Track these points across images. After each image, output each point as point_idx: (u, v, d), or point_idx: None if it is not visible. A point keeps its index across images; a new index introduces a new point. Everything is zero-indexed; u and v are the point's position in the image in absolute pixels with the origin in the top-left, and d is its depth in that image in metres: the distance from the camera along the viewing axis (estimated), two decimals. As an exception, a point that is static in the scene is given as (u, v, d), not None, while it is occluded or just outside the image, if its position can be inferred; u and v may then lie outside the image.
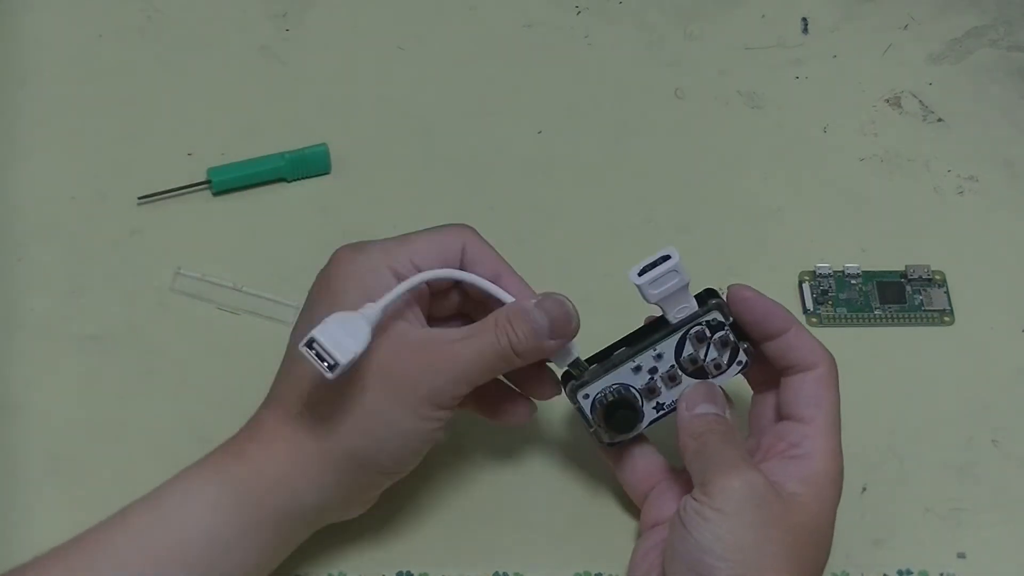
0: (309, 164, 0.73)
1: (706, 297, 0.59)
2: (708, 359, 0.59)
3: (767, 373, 0.60)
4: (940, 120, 0.78)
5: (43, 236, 0.70)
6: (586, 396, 0.59)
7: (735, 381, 0.61)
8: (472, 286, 0.58)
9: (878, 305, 0.70)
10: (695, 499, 0.55)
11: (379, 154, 0.75)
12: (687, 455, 0.57)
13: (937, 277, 0.71)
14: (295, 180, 0.73)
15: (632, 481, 0.61)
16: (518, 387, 0.60)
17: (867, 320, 0.69)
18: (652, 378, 0.59)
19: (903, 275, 0.71)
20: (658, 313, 0.59)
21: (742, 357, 0.60)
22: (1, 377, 0.65)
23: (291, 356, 0.57)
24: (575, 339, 0.58)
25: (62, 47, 0.77)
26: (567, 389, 0.59)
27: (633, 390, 0.59)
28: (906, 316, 0.70)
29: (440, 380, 0.55)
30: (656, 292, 0.57)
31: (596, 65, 0.79)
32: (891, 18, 0.82)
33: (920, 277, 0.71)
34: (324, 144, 0.73)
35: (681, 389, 0.59)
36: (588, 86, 0.78)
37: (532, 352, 0.56)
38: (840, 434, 0.58)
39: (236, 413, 0.63)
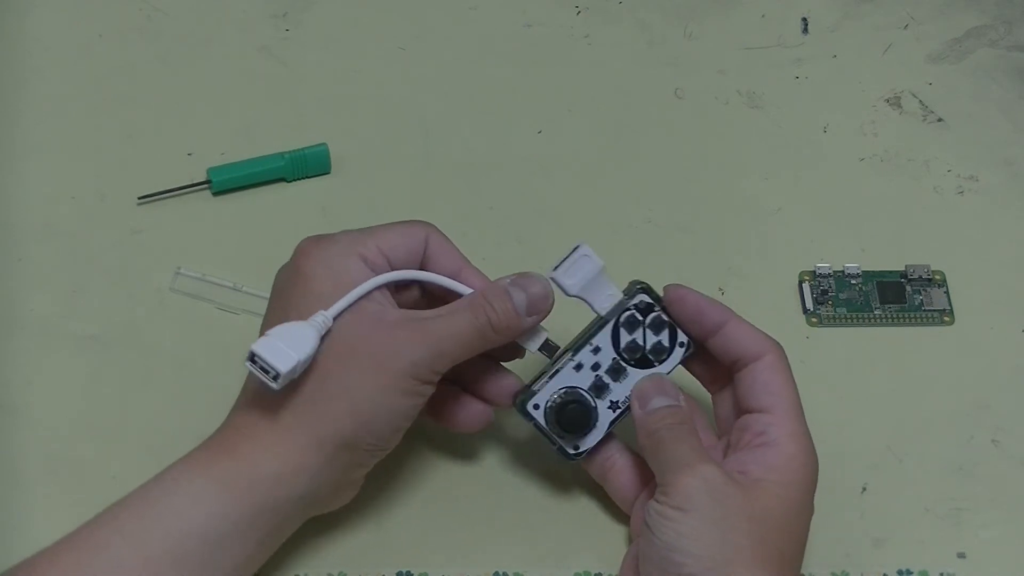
0: (309, 164, 0.73)
1: (631, 286, 0.60)
2: (648, 345, 0.59)
3: (719, 371, 0.60)
4: (940, 120, 0.78)
5: (43, 236, 0.70)
6: (536, 407, 0.59)
7: (695, 386, 0.61)
8: (435, 285, 0.59)
9: (878, 305, 0.70)
10: (657, 501, 0.55)
11: (379, 154, 0.75)
12: (646, 455, 0.58)
13: (937, 277, 0.71)
14: (295, 180, 0.73)
15: (620, 492, 0.61)
16: (475, 392, 0.61)
17: (867, 320, 0.69)
18: (597, 375, 0.59)
19: (903, 275, 0.71)
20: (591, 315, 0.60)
21: (683, 338, 0.60)
22: (1, 377, 0.65)
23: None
24: (545, 321, 0.59)
25: (62, 47, 0.77)
26: (516, 406, 0.59)
27: (580, 390, 0.59)
28: (906, 316, 0.70)
29: (420, 353, 0.55)
30: (572, 282, 0.58)
31: (596, 65, 0.79)
32: (891, 18, 0.82)
33: (920, 277, 0.71)
34: (324, 144, 0.73)
35: (631, 382, 0.59)
36: (588, 86, 0.78)
37: (510, 329, 0.57)
38: (803, 417, 0.58)
39: (236, 413, 0.63)
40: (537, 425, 0.59)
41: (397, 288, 0.59)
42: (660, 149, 0.76)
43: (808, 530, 0.57)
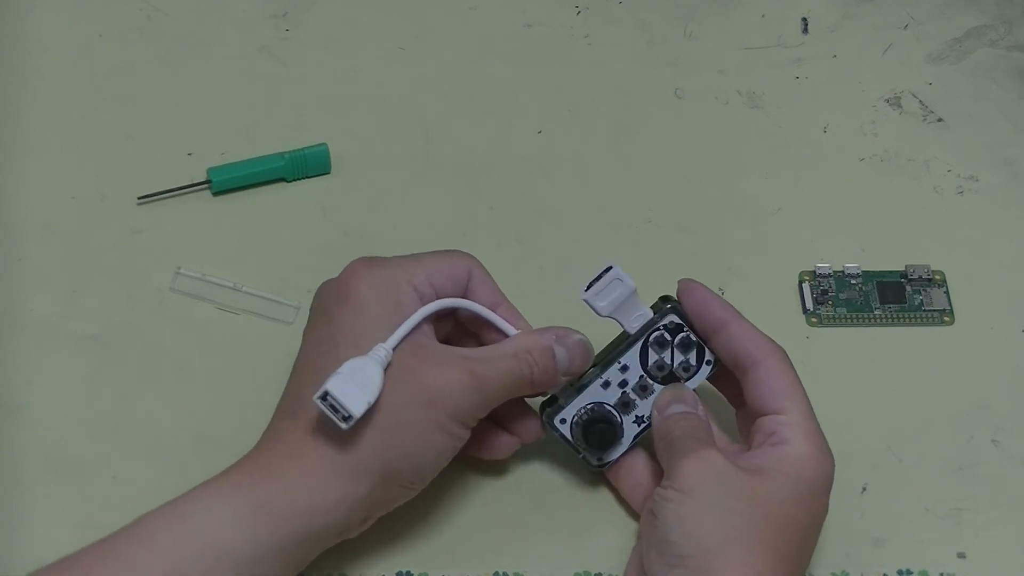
0: (309, 164, 0.73)
1: (661, 304, 0.61)
2: (676, 363, 0.60)
3: (738, 387, 0.61)
4: (940, 120, 0.78)
5: (43, 236, 0.70)
6: (563, 421, 0.60)
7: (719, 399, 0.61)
8: (476, 316, 0.59)
9: (878, 305, 0.70)
10: (661, 486, 0.56)
11: (379, 154, 0.75)
12: (659, 456, 0.58)
13: (937, 277, 0.71)
14: (295, 180, 0.73)
15: (632, 491, 0.62)
16: (502, 426, 0.61)
17: (867, 320, 0.69)
18: (624, 391, 0.60)
19: (903, 275, 0.71)
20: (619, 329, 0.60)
21: (709, 356, 0.60)
22: (1, 377, 0.65)
23: (306, 363, 0.57)
24: None
25: (62, 47, 0.77)
26: (544, 418, 0.60)
27: (607, 406, 0.60)
28: (906, 316, 0.70)
29: (467, 396, 0.55)
30: (605, 304, 0.59)
31: (596, 65, 0.79)
32: (891, 18, 0.82)
33: (920, 277, 0.71)
34: (324, 144, 0.73)
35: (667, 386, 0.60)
36: (588, 86, 0.78)
37: (547, 385, 0.59)
38: (815, 418, 0.58)
39: (236, 413, 0.63)
40: (563, 437, 0.60)
41: (436, 317, 0.59)
42: (660, 149, 0.76)
43: (819, 531, 0.57)
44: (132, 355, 0.66)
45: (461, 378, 0.55)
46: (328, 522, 0.55)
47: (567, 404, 0.60)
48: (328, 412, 0.53)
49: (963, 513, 0.63)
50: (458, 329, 0.61)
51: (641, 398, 0.60)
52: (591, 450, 0.61)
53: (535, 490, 0.63)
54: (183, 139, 0.74)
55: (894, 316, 0.70)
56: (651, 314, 0.60)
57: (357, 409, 0.53)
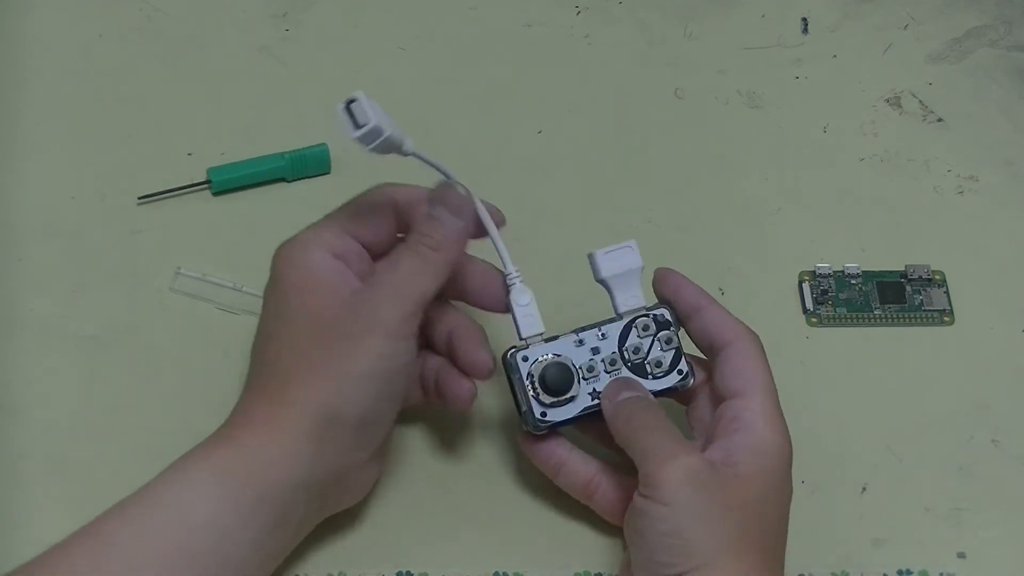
0: (309, 164, 0.73)
1: (659, 302, 0.61)
2: (651, 356, 0.60)
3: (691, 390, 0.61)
4: (940, 120, 0.78)
5: (43, 236, 0.70)
6: (525, 359, 0.59)
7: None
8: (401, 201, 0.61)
9: (878, 305, 0.70)
10: (641, 495, 0.55)
11: (379, 154, 0.74)
12: (622, 444, 0.57)
13: (937, 277, 0.71)
14: (295, 180, 0.73)
15: (608, 511, 0.61)
16: (459, 366, 0.60)
17: (867, 320, 0.69)
18: (593, 358, 0.59)
19: (903, 275, 0.71)
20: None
21: (683, 366, 0.60)
22: (1, 377, 0.65)
23: (257, 338, 0.59)
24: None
25: (62, 47, 0.77)
26: (507, 354, 0.59)
27: (572, 362, 0.59)
28: (906, 316, 0.70)
29: (384, 309, 0.56)
30: (607, 267, 0.59)
31: (596, 65, 0.79)
32: (891, 18, 0.82)
33: (920, 277, 0.71)
34: (324, 144, 0.73)
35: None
36: (588, 86, 0.78)
37: (449, 241, 0.58)
38: (777, 401, 0.58)
39: (236, 413, 0.63)
40: (518, 378, 0.59)
41: (376, 246, 0.60)
42: (660, 149, 0.76)
43: (788, 512, 0.57)
44: (132, 355, 0.66)
45: (370, 297, 0.56)
46: (288, 477, 0.55)
47: (533, 345, 0.59)
48: (346, 120, 0.55)
49: (963, 513, 0.63)
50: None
51: (606, 372, 0.59)
52: (540, 397, 0.59)
53: (535, 490, 0.63)
54: (183, 139, 0.74)
55: (894, 316, 0.70)
56: (644, 302, 0.60)
57: (381, 123, 0.55)
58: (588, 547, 0.62)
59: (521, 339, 0.59)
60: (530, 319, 0.59)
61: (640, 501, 0.55)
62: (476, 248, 0.61)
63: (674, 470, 0.54)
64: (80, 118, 0.75)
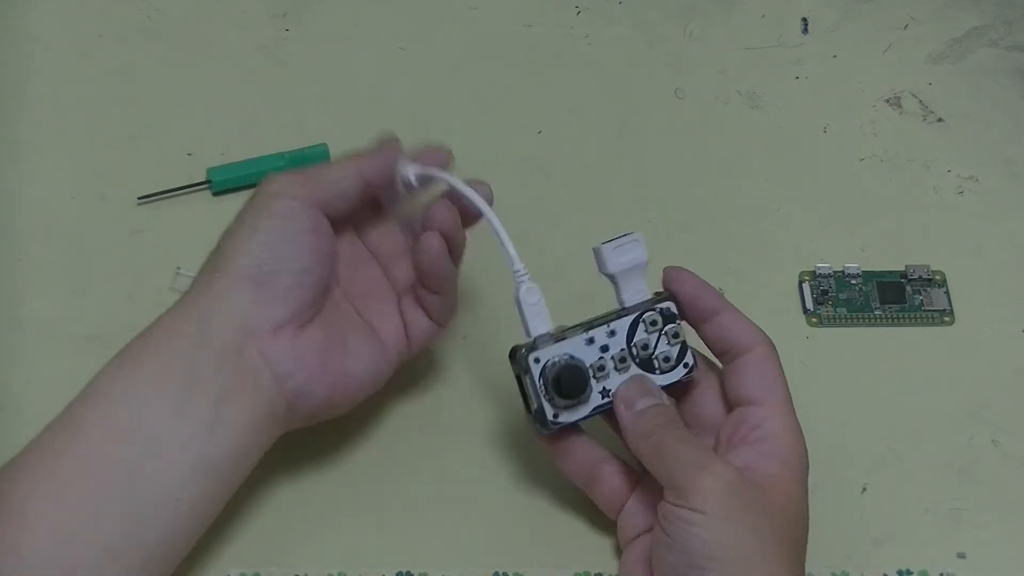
0: (309, 164, 0.73)
1: (663, 295, 0.60)
2: (658, 351, 0.59)
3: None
4: (940, 120, 0.78)
5: (43, 236, 0.70)
6: (536, 360, 0.58)
7: None
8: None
9: (878, 305, 0.70)
10: (672, 504, 0.54)
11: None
12: (643, 458, 0.57)
13: (937, 277, 0.71)
14: (295, 180, 0.73)
15: (607, 499, 0.61)
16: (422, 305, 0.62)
17: (867, 320, 0.69)
18: (603, 356, 0.59)
19: (903, 275, 0.71)
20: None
21: (689, 359, 0.60)
22: (1, 377, 0.65)
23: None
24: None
25: (62, 47, 0.77)
26: (520, 354, 0.58)
27: (583, 363, 0.58)
28: (906, 316, 0.70)
29: (286, 178, 0.59)
30: (613, 260, 0.59)
31: (596, 65, 0.79)
32: (891, 18, 0.82)
33: (920, 277, 0.71)
34: (324, 144, 0.73)
35: (628, 378, 0.59)
36: (588, 86, 0.78)
37: (383, 159, 0.61)
38: (795, 412, 0.58)
39: (236, 413, 0.63)
40: (530, 380, 0.58)
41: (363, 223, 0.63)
42: (660, 149, 0.76)
43: (808, 521, 0.57)
44: (132, 355, 0.66)
45: (298, 176, 0.60)
46: (226, 321, 0.56)
47: (545, 347, 0.58)
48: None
49: (963, 513, 0.63)
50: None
51: (615, 369, 0.59)
52: (553, 400, 0.58)
53: (535, 490, 0.63)
54: (183, 139, 0.74)
55: (894, 316, 0.70)
56: (650, 295, 0.60)
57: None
58: (588, 547, 0.62)
59: (529, 337, 0.59)
60: (539, 318, 0.58)
61: (673, 509, 0.54)
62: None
63: (710, 479, 0.54)
64: (80, 118, 0.75)
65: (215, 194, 0.72)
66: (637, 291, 0.60)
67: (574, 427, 0.59)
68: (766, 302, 0.70)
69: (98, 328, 0.67)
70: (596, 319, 0.60)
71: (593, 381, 0.59)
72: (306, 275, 0.58)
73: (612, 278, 0.60)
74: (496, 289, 0.67)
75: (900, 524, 0.63)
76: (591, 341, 0.59)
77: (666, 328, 0.60)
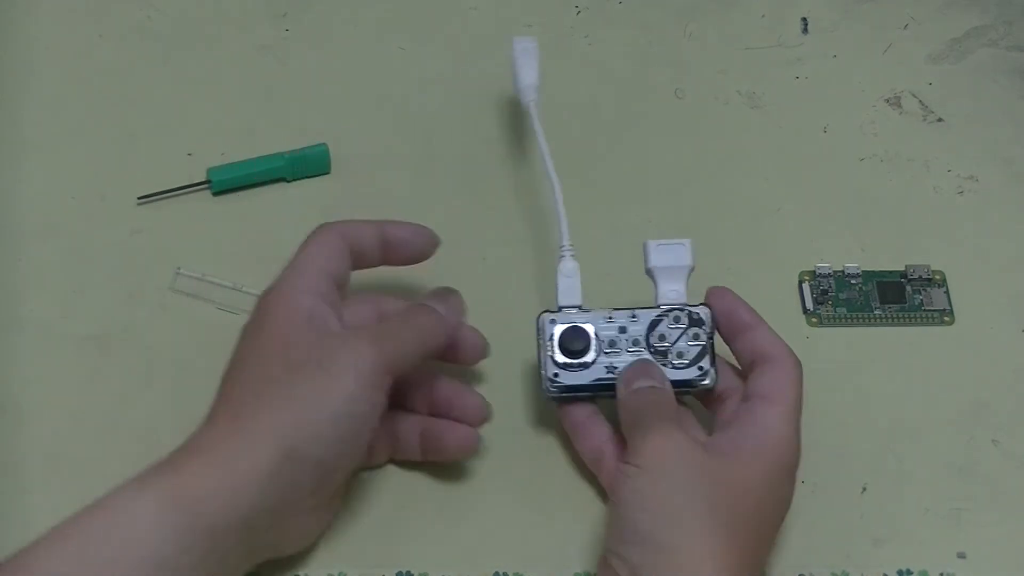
0: (309, 164, 0.73)
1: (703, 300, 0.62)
2: (676, 346, 0.60)
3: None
4: (940, 120, 0.78)
5: (43, 236, 0.70)
6: (552, 321, 0.61)
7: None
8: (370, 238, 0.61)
9: (878, 305, 0.70)
10: (624, 462, 0.56)
11: (379, 154, 0.75)
12: (625, 432, 0.58)
13: (937, 277, 0.71)
14: (295, 180, 0.73)
15: (597, 466, 0.62)
16: (452, 412, 0.62)
17: (867, 320, 0.69)
18: (617, 336, 0.60)
19: (903, 275, 0.71)
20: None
21: (705, 364, 0.60)
22: (1, 377, 0.65)
23: (225, 373, 0.58)
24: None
25: (62, 47, 0.77)
26: (542, 316, 0.61)
27: (595, 333, 0.60)
28: (906, 316, 0.70)
29: (365, 356, 0.55)
30: (657, 258, 0.61)
31: (596, 65, 0.79)
32: (891, 18, 0.82)
33: (920, 277, 0.71)
34: (324, 144, 0.73)
35: (635, 360, 0.60)
36: (588, 86, 0.78)
37: (440, 334, 0.59)
38: (800, 419, 0.58)
39: (236, 413, 0.63)
40: (541, 338, 0.61)
41: (353, 304, 0.60)
42: (660, 149, 0.76)
43: (782, 518, 0.57)
44: (132, 355, 0.66)
45: (356, 343, 0.56)
46: (232, 512, 0.52)
47: (566, 314, 0.61)
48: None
49: (963, 513, 0.63)
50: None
51: (627, 350, 0.60)
52: (556, 355, 0.60)
53: (535, 490, 0.63)
54: (183, 139, 0.74)
55: (894, 316, 0.70)
56: (686, 299, 0.61)
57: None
58: (588, 547, 0.62)
59: (558, 308, 0.61)
60: (571, 290, 0.62)
61: (622, 467, 0.56)
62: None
63: (657, 436, 0.55)
64: (80, 118, 0.75)
65: (215, 194, 0.72)
66: (674, 292, 0.61)
67: (584, 400, 0.61)
68: (766, 302, 0.69)
69: (98, 328, 0.67)
70: (626, 307, 0.61)
71: (602, 354, 0.60)
72: (347, 470, 0.58)
73: (652, 274, 0.62)
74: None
75: (900, 524, 0.63)
76: (611, 319, 0.61)
77: (690, 329, 0.60)
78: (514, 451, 0.64)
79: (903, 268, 0.71)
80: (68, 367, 0.66)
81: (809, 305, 0.70)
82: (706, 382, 0.60)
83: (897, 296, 0.70)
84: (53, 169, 0.73)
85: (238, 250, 0.70)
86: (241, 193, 0.72)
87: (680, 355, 0.60)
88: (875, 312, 0.70)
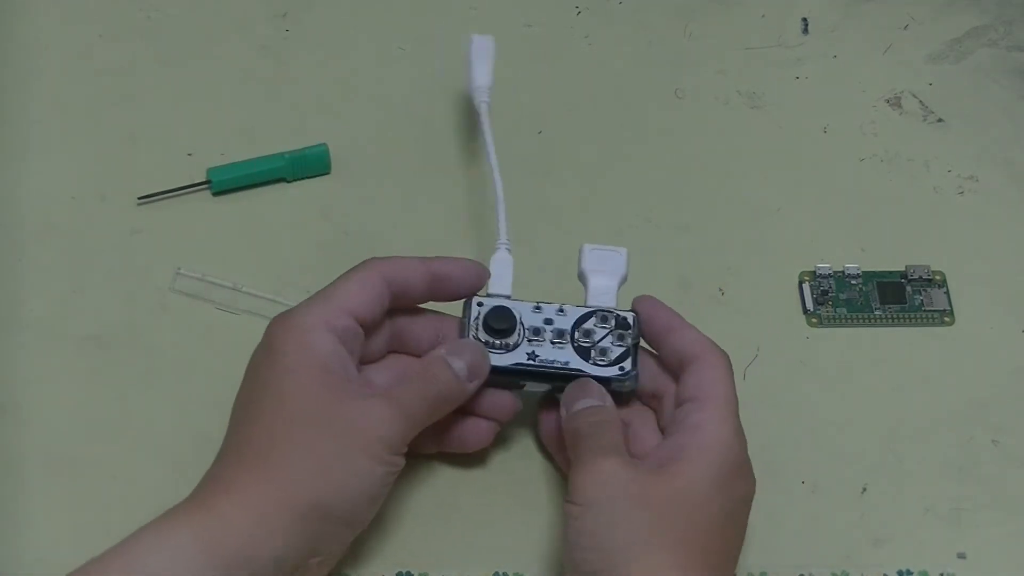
0: (309, 164, 0.73)
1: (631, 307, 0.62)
2: (599, 344, 0.60)
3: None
4: (940, 120, 0.78)
5: (43, 236, 0.70)
6: (479, 304, 0.61)
7: None
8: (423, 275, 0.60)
9: (878, 305, 0.70)
10: (565, 500, 0.56)
11: (379, 154, 0.75)
12: (570, 458, 0.58)
13: (937, 277, 0.71)
14: (295, 180, 0.73)
15: (546, 432, 0.62)
16: (476, 413, 0.61)
17: (867, 320, 0.69)
18: (542, 326, 0.61)
19: (903, 275, 0.71)
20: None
21: (628, 366, 0.60)
22: (1, 377, 0.65)
23: (241, 405, 0.58)
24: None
25: (62, 47, 0.77)
26: (467, 299, 0.61)
27: (520, 318, 0.61)
28: (906, 316, 0.70)
29: (389, 428, 0.56)
30: (592, 262, 0.62)
31: (596, 65, 0.79)
32: (891, 18, 0.82)
33: (920, 277, 0.71)
34: (324, 144, 0.73)
35: (559, 355, 0.60)
36: (588, 86, 0.78)
37: (458, 395, 0.59)
38: (736, 413, 0.58)
39: (236, 413, 0.63)
40: (467, 319, 0.61)
41: (368, 330, 0.60)
42: (660, 149, 0.76)
43: (740, 511, 0.57)
44: (132, 355, 0.66)
45: (381, 411, 0.56)
46: (264, 554, 0.53)
47: (493, 295, 0.62)
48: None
49: (963, 513, 0.63)
50: (403, 342, 0.62)
51: (550, 341, 0.61)
52: (479, 333, 0.60)
53: (535, 490, 0.63)
54: (183, 139, 0.74)
55: (894, 316, 0.70)
56: (615, 304, 0.62)
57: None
58: (588, 547, 0.62)
59: (487, 294, 0.62)
60: (502, 280, 0.62)
61: (565, 507, 0.56)
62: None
63: (590, 472, 0.55)
64: (80, 118, 0.75)
65: (215, 194, 0.72)
66: (604, 296, 0.62)
67: (505, 386, 0.61)
68: (766, 302, 0.70)
69: (98, 328, 0.67)
70: (556, 302, 0.62)
71: (525, 340, 0.60)
72: (365, 523, 0.58)
73: (583, 278, 0.62)
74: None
75: (900, 524, 0.63)
76: (538, 309, 0.61)
77: (616, 329, 0.61)
78: (514, 451, 0.64)
79: (903, 268, 0.71)
80: (68, 367, 0.66)
81: (809, 305, 0.70)
82: (626, 383, 0.60)
83: (897, 296, 0.70)
84: (53, 169, 0.73)
85: (238, 250, 0.70)
86: (241, 193, 0.72)
87: (603, 353, 0.60)
88: (875, 312, 0.70)
